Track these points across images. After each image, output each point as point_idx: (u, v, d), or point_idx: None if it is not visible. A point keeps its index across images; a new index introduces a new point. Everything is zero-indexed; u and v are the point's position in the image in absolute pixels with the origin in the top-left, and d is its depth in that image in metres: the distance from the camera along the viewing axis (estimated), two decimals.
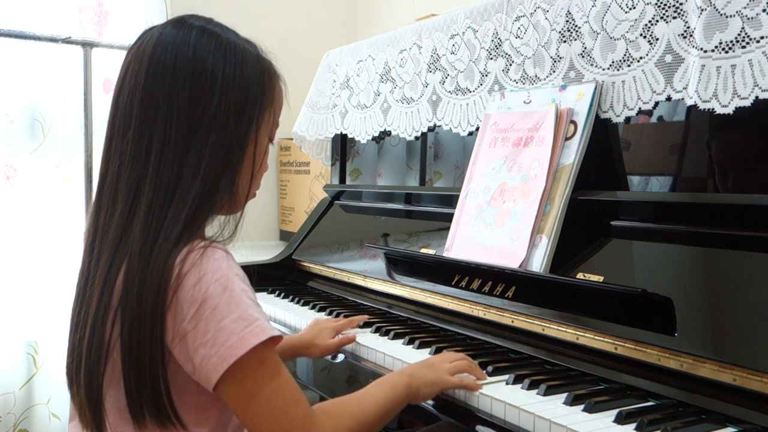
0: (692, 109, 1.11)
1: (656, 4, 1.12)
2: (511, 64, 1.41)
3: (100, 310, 0.82)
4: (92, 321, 0.83)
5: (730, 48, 1.00)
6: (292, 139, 2.22)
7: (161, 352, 0.80)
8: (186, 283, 0.79)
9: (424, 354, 1.18)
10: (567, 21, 1.27)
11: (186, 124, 0.84)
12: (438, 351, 1.18)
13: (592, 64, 1.24)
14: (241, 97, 0.87)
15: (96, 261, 0.85)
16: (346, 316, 1.46)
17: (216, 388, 0.81)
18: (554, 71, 1.31)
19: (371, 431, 0.92)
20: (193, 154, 0.84)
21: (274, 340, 0.82)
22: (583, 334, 1.07)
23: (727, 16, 1.00)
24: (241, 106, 0.87)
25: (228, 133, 0.86)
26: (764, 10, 0.96)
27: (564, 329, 1.10)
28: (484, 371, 1.07)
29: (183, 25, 0.88)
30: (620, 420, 0.86)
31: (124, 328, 0.80)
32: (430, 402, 1.04)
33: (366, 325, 1.40)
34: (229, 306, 0.80)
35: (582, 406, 0.91)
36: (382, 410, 0.93)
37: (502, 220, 1.29)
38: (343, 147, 2.07)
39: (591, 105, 1.22)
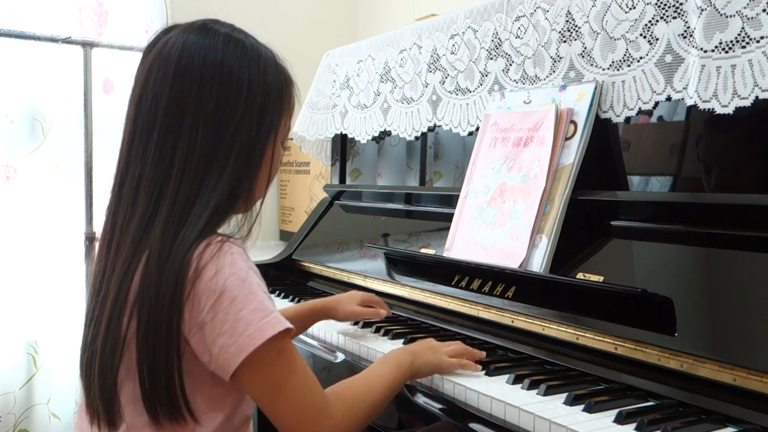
0: (692, 109, 1.11)
1: (656, 4, 1.12)
2: (511, 64, 1.41)
3: (117, 307, 0.84)
4: (108, 317, 0.84)
5: (730, 48, 1.00)
6: (292, 139, 2.22)
7: (177, 346, 0.82)
8: (204, 275, 0.81)
9: None
10: (567, 21, 1.27)
11: (212, 131, 0.86)
12: None
13: (592, 64, 1.24)
14: (263, 105, 0.89)
15: (113, 261, 0.86)
16: None
17: (236, 378, 0.83)
18: (554, 71, 1.31)
19: (380, 408, 0.96)
20: (216, 162, 0.86)
21: (289, 331, 0.84)
22: (583, 334, 1.07)
23: (727, 16, 1.00)
24: (262, 113, 0.89)
25: (251, 141, 0.88)
26: (764, 10, 0.96)
27: (564, 329, 1.10)
28: (484, 371, 1.07)
29: (209, 32, 0.89)
30: (620, 420, 0.86)
31: (141, 323, 0.81)
32: (430, 401, 1.04)
33: (366, 325, 1.40)
34: (247, 297, 0.82)
35: (582, 406, 0.91)
36: (389, 388, 0.97)
37: (502, 220, 1.29)
38: (343, 147, 2.07)
39: (591, 105, 1.22)
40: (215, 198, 0.85)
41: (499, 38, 1.43)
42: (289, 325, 0.84)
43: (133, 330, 0.82)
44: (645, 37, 1.14)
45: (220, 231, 0.89)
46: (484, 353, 1.12)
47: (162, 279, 0.81)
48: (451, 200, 1.51)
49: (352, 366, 1.24)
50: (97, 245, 0.92)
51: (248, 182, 0.89)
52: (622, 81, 1.19)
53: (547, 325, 1.13)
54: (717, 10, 1.01)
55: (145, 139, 0.87)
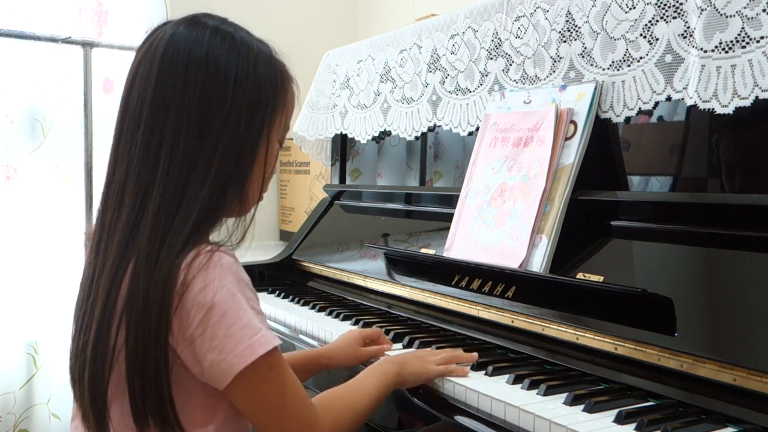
0: (692, 109, 1.11)
1: (656, 4, 1.12)
2: (511, 64, 1.41)
3: (105, 315, 0.82)
4: (97, 326, 0.82)
5: (730, 48, 1.00)
6: (292, 139, 2.22)
7: (165, 359, 0.80)
8: (192, 288, 0.79)
9: None
10: (567, 21, 1.27)
11: (196, 128, 0.83)
12: None
13: (592, 64, 1.24)
14: (253, 100, 0.86)
15: (101, 264, 0.84)
16: (347, 317, 1.46)
17: (227, 392, 0.82)
18: (554, 71, 1.31)
19: (365, 418, 0.96)
20: (202, 159, 0.83)
21: (278, 346, 0.84)
22: (583, 334, 1.07)
23: (727, 16, 1.00)
24: (252, 109, 0.86)
25: (239, 139, 0.85)
26: (764, 10, 0.96)
27: (564, 329, 1.10)
28: (484, 372, 1.07)
29: (197, 24, 0.86)
30: (620, 420, 0.86)
31: (130, 333, 0.80)
32: (430, 401, 1.04)
33: (366, 325, 1.39)
34: (237, 312, 0.80)
35: (582, 406, 0.91)
36: (375, 398, 0.98)
37: (502, 220, 1.29)
38: (343, 147, 2.07)
39: (591, 105, 1.21)
40: (202, 199, 0.82)
41: (499, 38, 1.43)
42: (278, 342, 0.83)
43: (122, 341, 0.80)
44: (645, 37, 1.14)
45: (214, 236, 0.87)
46: (475, 355, 1.10)
47: (149, 290, 0.79)
48: (451, 200, 1.51)
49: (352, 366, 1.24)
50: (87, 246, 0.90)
51: (239, 182, 0.86)
52: (622, 81, 1.19)
53: (547, 325, 1.13)
54: (717, 10, 1.01)
55: (131, 137, 0.84)
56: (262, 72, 0.87)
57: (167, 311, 0.79)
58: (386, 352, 1.20)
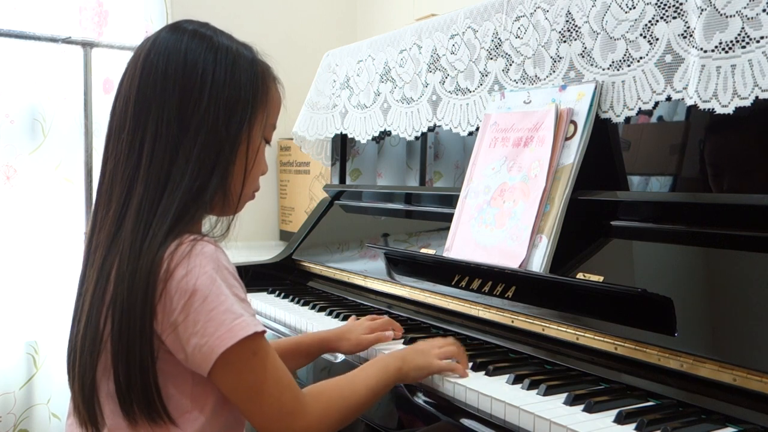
0: (692, 109, 1.11)
1: (656, 4, 1.12)
2: (511, 64, 1.41)
3: (94, 306, 0.85)
4: (86, 316, 0.85)
5: (730, 48, 1.00)
6: (292, 139, 2.22)
7: (150, 345, 0.82)
8: (175, 275, 0.82)
9: None
10: (567, 21, 1.27)
11: (176, 124, 0.87)
12: None
13: (592, 64, 1.24)
14: (231, 99, 0.90)
15: (92, 257, 0.88)
16: (346, 317, 1.46)
17: (212, 378, 0.84)
18: (554, 71, 1.31)
19: (360, 411, 0.96)
20: (182, 153, 0.87)
21: (263, 332, 0.85)
22: (583, 334, 1.07)
23: (727, 16, 1.00)
24: (231, 107, 0.90)
25: (217, 134, 0.88)
26: (764, 10, 0.96)
27: (564, 329, 1.10)
28: (484, 372, 1.07)
29: (177, 29, 0.92)
30: (620, 420, 0.86)
31: (115, 322, 0.82)
32: (430, 401, 1.04)
33: None
34: (218, 297, 0.82)
35: (582, 406, 0.91)
36: (372, 392, 0.97)
37: (502, 220, 1.29)
38: (343, 147, 2.07)
39: (591, 105, 1.22)
40: (182, 190, 0.86)
41: (499, 38, 1.43)
42: (261, 328, 0.85)
43: (109, 329, 0.83)
44: (645, 37, 1.14)
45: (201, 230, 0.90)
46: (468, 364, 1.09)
47: (134, 278, 0.82)
48: (451, 200, 1.51)
49: (352, 366, 1.23)
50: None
51: (220, 176, 0.89)
52: (622, 81, 1.19)
53: (547, 325, 1.13)
54: (717, 10, 1.01)
55: (118, 136, 0.89)
56: (241, 71, 0.91)
57: (152, 298, 0.81)
58: (385, 346, 1.20)
